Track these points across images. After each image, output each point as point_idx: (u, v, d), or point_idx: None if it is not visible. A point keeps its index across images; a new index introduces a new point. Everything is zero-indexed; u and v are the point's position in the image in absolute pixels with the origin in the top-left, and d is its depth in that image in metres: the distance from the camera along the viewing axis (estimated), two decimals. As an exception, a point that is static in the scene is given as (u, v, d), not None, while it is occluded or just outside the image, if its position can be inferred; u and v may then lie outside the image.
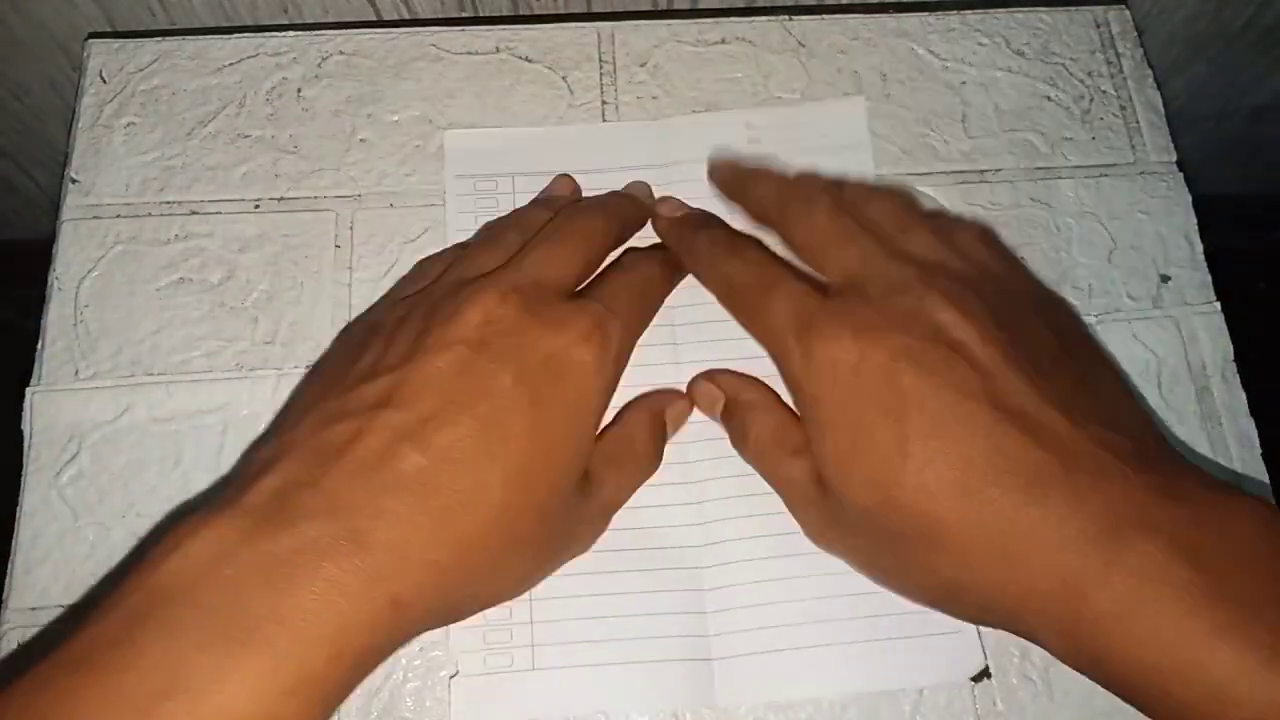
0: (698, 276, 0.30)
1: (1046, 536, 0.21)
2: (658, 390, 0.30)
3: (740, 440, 0.29)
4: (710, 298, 0.31)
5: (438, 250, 0.32)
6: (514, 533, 0.23)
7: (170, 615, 0.19)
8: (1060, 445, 0.22)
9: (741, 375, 0.30)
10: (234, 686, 0.18)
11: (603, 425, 0.28)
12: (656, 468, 0.29)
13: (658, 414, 0.29)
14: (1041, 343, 0.25)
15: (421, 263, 0.32)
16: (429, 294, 0.27)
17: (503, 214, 0.32)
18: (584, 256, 0.28)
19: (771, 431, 0.28)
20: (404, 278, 0.32)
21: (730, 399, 0.29)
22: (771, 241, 0.30)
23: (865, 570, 0.26)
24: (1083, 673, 0.22)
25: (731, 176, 0.32)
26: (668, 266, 0.31)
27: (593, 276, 0.29)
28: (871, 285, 0.25)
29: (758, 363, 0.29)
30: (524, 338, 0.24)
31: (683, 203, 0.32)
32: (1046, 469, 0.22)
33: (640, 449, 0.28)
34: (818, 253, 0.28)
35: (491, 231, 0.30)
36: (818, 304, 0.26)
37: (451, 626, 0.27)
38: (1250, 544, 0.20)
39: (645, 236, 0.32)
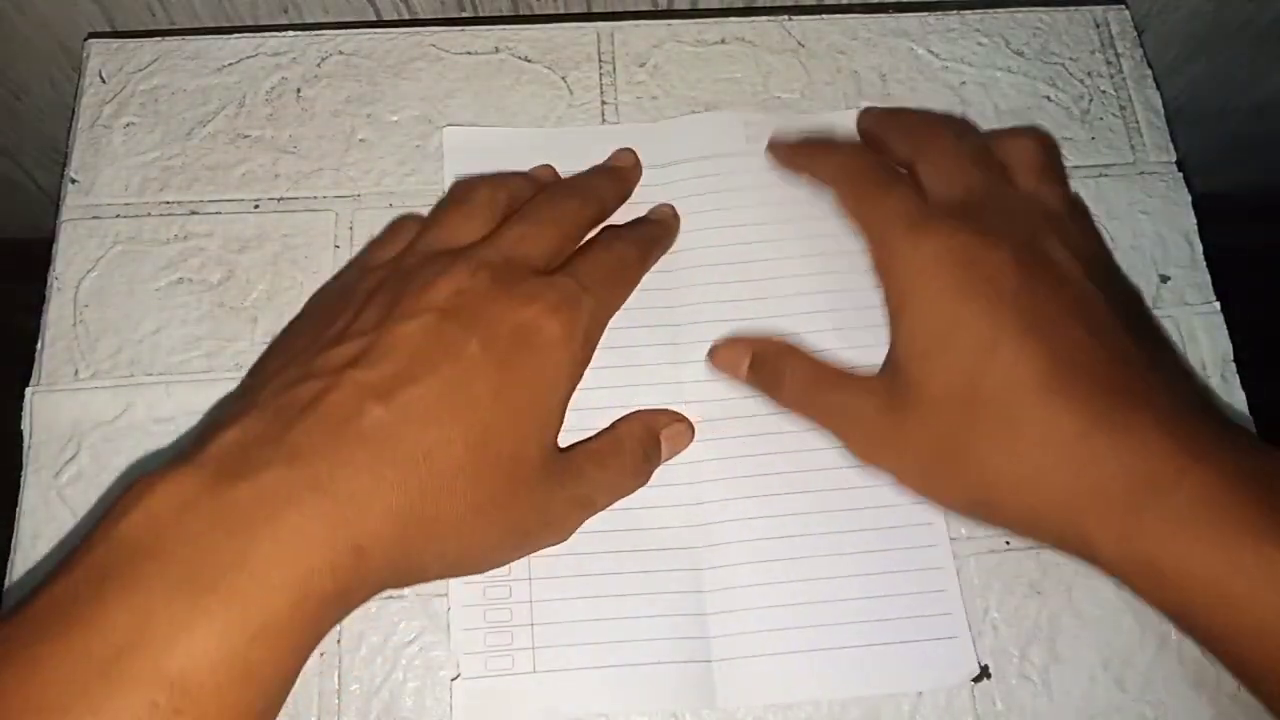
0: (815, 173, 0.31)
1: (1125, 440, 0.22)
2: (662, 409, 0.30)
3: (775, 386, 0.29)
4: (710, 297, 0.31)
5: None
6: (479, 493, 0.23)
7: (133, 568, 0.19)
8: (1140, 366, 0.24)
9: (760, 338, 0.30)
10: (200, 634, 0.18)
11: (597, 431, 0.28)
12: (643, 479, 0.29)
13: (651, 426, 0.29)
14: (1127, 303, 0.28)
15: (394, 225, 0.32)
16: (400, 264, 0.27)
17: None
18: (560, 237, 0.28)
19: (809, 371, 0.29)
20: (374, 242, 0.32)
21: (757, 352, 0.29)
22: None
23: (913, 480, 0.27)
24: (1123, 580, 0.23)
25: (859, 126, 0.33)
26: (644, 246, 0.31)
27: (570, 255, 0.29)
28: (991, 208, 0.27)
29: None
30: (493, 307, 0.25)
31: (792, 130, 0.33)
32: (1130, 380, 0.24)
33: (627, 453, 0.28)
34: (949, 168, 0.28)
35: (466, 196, 0.29)
36: (931, 208, 0.27)
37: (452, 627, 0.27)
38: None
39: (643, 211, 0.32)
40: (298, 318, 0.31)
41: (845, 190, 0.30)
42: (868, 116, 0.33)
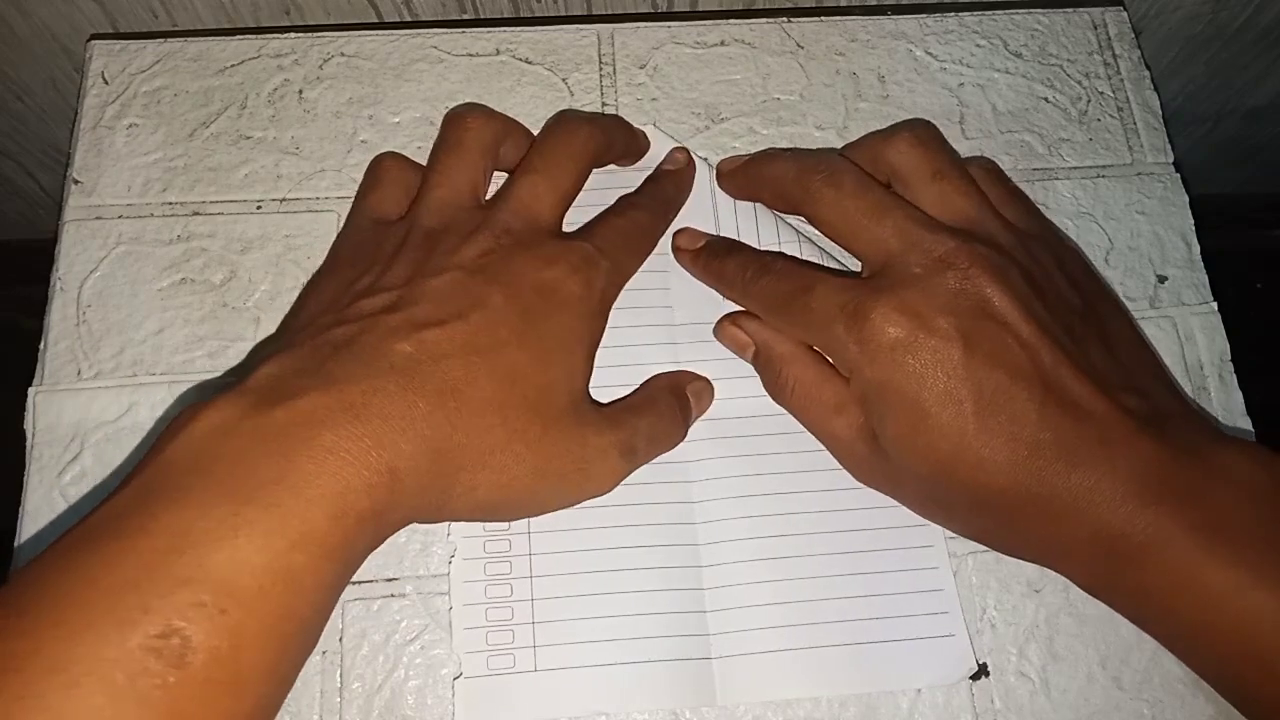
0: (735, 301, 0.31)
1: (1085, 499, 0.24)
2: (680, 370, 0.31)
3: (778, 391, 0.30)
4: (710, 296, 0.31)
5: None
6: (507, 428, 0.24)
7: (177, 484, 0.20)
8: (1095, 418, 0.25)
9: (769, 326, 0.30)
10: (242, 540, 0.19)
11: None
12: (681, 432, 0.29)
13: (678, 383, 0.30)
14: (1069, 304, 0.27)
15: (381, 169, 0.31)
16: (418, 221, 0.28)
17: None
18: (570, 180, 0.29)
19: (812, 386, 0.28)
20: (369, 192, 0.31)
21: (761, 347, 0.30)
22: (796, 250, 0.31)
23: (911, 508, 0.29)
24: (1102, 599, 0.26)
25: (742, 170, 0.32)
26: (658, 209, 0.32)
27: (588, 222, 0.30)
28: (913, 261, 0.26)
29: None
30: (517, 266, 0.26)
31: (700, 232, 0.32)
32: (1085, 442, 0.24)
33: (663, 403, 0.29)
34: (851, 232, 0.28)
35: (458, 139, 0.30)
36: (860, 290, 0.27)
37: (454, 625, 0.28)
38: (1248, 485, 0.24)
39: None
40: (323, 270, 0.30)
41: (774, 320, 0.29)
42: (731, 169, 0.33)
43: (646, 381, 0.30)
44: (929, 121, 0.32)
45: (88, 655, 0.17)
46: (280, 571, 0.19)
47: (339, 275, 0.28)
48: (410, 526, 0.29)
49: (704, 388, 0.30)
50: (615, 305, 0.29)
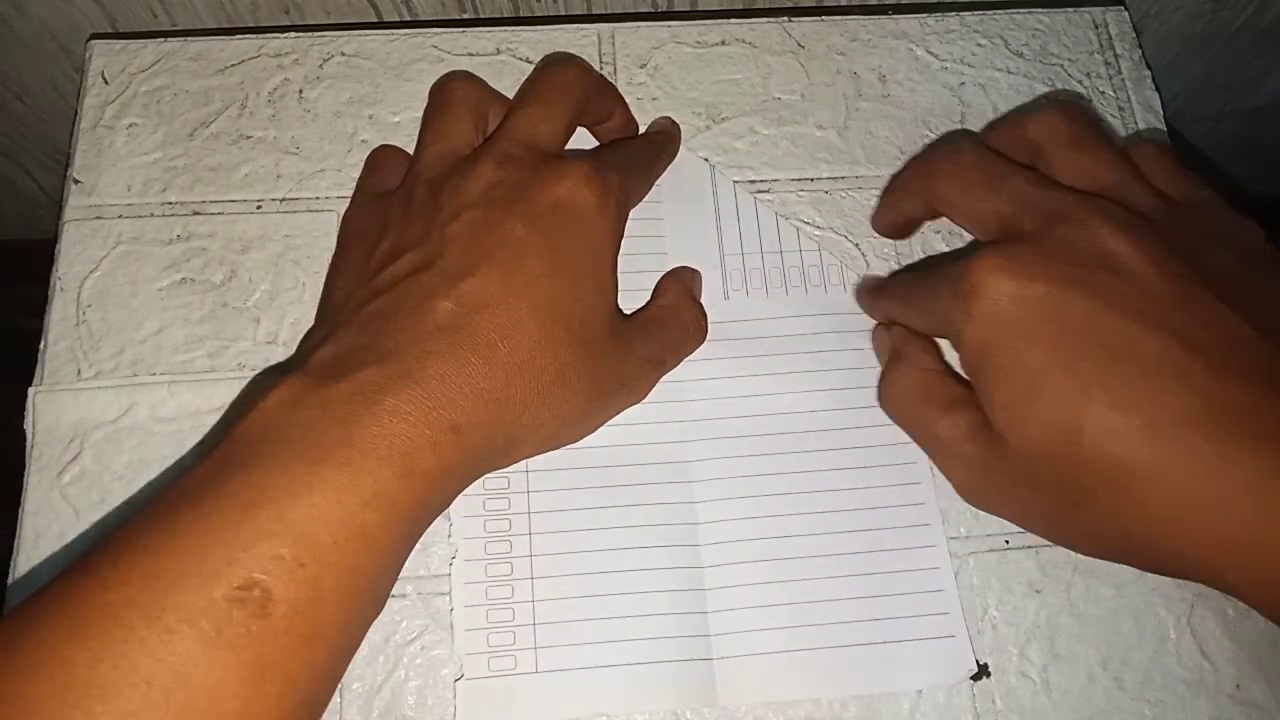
0: (880, 311, 0.31)
1: (1250, 482, 0.20)
2: (682, 266, 0.32)
3: (885, 392, 0.29)
4: (709, 294, 0.31)
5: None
6: (560, 363, 0.25)
7: (253, 451, 0.21)
8: (1256, 385, 0.20)
9: (910, 330, 0.29)
10: (317, 497, 0.20)
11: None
12: (702, 335, 0.30)
13: (689, 285, 0.31)
14: (1222, 268, 0.23)
15: (378, 156, 0.32)
16: (421, 178, 0.28)
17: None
18: (564, 113, 0.29)
19: (920, 386, 0.27)
20: (367, 176, 0.32)
21: (891, 350, 0.29)
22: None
23: (1027, 523, 0.25)
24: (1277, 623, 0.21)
25: (886, 205, 0.32)
26: (653, 149, 0.32)
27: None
28: (1028, 219, 0.24)
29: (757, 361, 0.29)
30: (528, 190, 0.26)
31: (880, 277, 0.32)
32: (1247, 411, 0.20)
33: (685, 309, 0.30)
34: (970, 206, 0.26)
35: (445, 96, 0.30)
36: (970, 256, 0.24)
37: (455, 626, 0.28)
38: None
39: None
40: (338, 253, 0.31)
41: (898, 302, 0.29)
42: (878, 221, 0.32)
43: (662, 286, 0.31)
44: (1079, 96, 0.31)
45: (180, 604, 0.18)
46: (354, 528, 0.20)
47: (356, 251, 0.28)
48: (411, 527, 0.29)
49: (700, 284, 0.31)
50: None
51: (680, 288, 0.31)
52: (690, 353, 0.30)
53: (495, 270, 0.24)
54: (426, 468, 0.22)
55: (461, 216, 0.25)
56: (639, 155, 0.31)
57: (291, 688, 0.19)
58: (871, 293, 0.31)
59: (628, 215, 0.29)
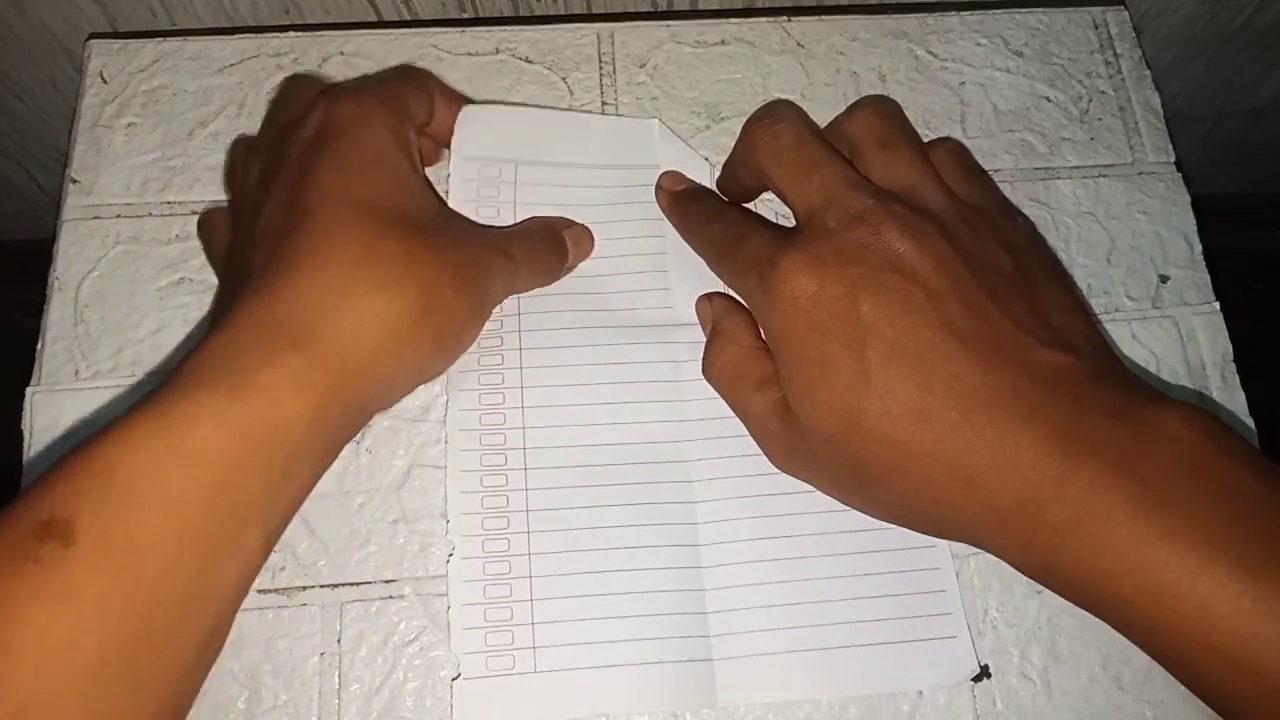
0: (690, 244, 0.32)
1: (1002, 457, 0.23)
2: (558, 217, 0.32)
3: (708, 366, 0.30)
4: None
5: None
6: (402, 247, 0.25)
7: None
8: (1012, 370, 0.23)
9: (731, 301, 0.30)
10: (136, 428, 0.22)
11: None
12: (558, 266, 0.31)
13: (553, 225, 0.32)
14: (997, 266, 0.26)
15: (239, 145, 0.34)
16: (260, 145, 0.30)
17: (468, 180, 0.33)
18: (373, 87, 0.30)
19: (737, 363, 0.28)
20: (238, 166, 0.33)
21: (715, 321, 0.30)
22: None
23: (829, 491, 0.27)
24: (1036, 580, 0.23)
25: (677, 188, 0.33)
26: (429, 92, 0.32)
27: None
28: (831, 216, 0.26)
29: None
30: (304, 130, 0.27)
31: (683, 175, 0.33)
32: (999, 393, 0.23)
33: (539, 234, 0.31)
34: (784, 185, 0.28)
35: (285, 88, 0.34)
36: (780, 242, 0.26)
37: (453, 626, 0.28)
38: (1190, 454, 0.22)
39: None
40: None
41: (713, 266, 0.30)
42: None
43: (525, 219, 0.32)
44: (890, 98, 0.33)
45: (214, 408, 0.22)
46: (168, 450, 0.22)
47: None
48: (409, 527, 0.29)
49: (582, 233, 0.32)
50: (614, 304, 0.29)
51: (544, 221, 0.32)
52: (543, 276, 0.31)
53: (283, 192, 0.26)
54: (260, 384, 0.22)
55: (262, 155, 0.28)
56: (403, 89, 0.31)
57: (106, 609, 0.20)
58: (680, 212, 0.32)
59: (408, 126, 0.29)
